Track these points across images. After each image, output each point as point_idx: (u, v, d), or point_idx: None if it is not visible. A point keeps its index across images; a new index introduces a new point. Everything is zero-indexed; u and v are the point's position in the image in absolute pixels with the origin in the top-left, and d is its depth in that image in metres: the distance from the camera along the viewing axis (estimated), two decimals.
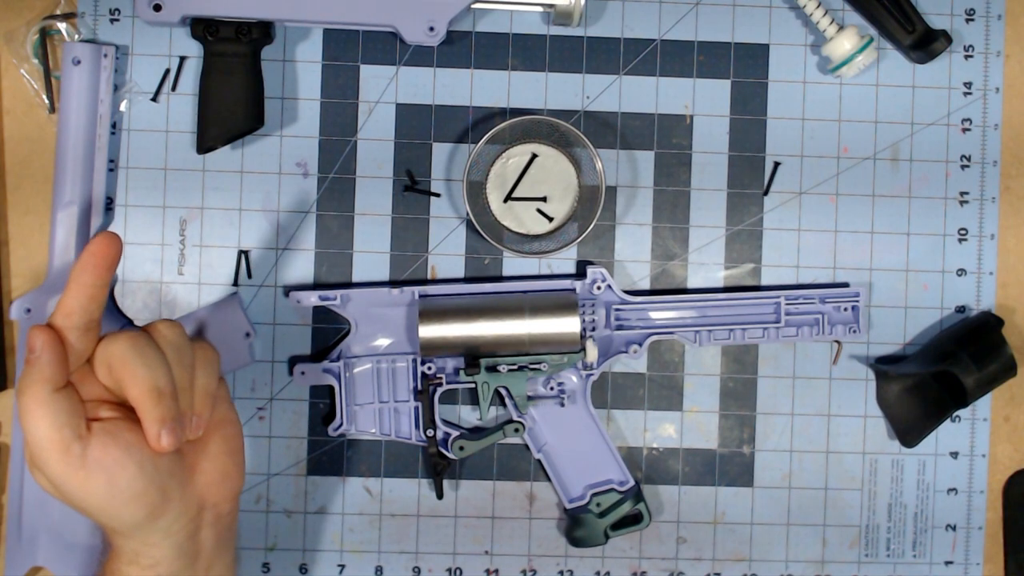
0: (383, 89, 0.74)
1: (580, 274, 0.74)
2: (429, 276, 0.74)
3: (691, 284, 0.75)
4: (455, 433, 0.73)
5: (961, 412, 0.75)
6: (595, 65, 0.74)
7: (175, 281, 0.74)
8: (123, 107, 0.73)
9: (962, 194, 0.75)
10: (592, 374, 0.73)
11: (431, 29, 0.71)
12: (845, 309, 0.74)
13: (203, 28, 0.70)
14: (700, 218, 0.75)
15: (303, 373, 0.73)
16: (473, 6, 0.73)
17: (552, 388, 0.73)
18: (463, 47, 0.74)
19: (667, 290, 0.75)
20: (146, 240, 0.73)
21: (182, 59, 0.73)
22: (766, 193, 0.75)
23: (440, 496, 0.73)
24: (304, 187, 0.74)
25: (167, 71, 0.73)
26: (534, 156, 0.72)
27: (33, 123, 0.74)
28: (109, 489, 0.55)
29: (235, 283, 0.74)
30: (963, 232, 0.75)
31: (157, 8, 0.69)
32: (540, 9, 0.74)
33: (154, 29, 0.73)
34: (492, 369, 0.71)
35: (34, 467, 0.57)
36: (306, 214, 0.74)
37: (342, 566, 0.75)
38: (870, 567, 0.76)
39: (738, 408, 0.75)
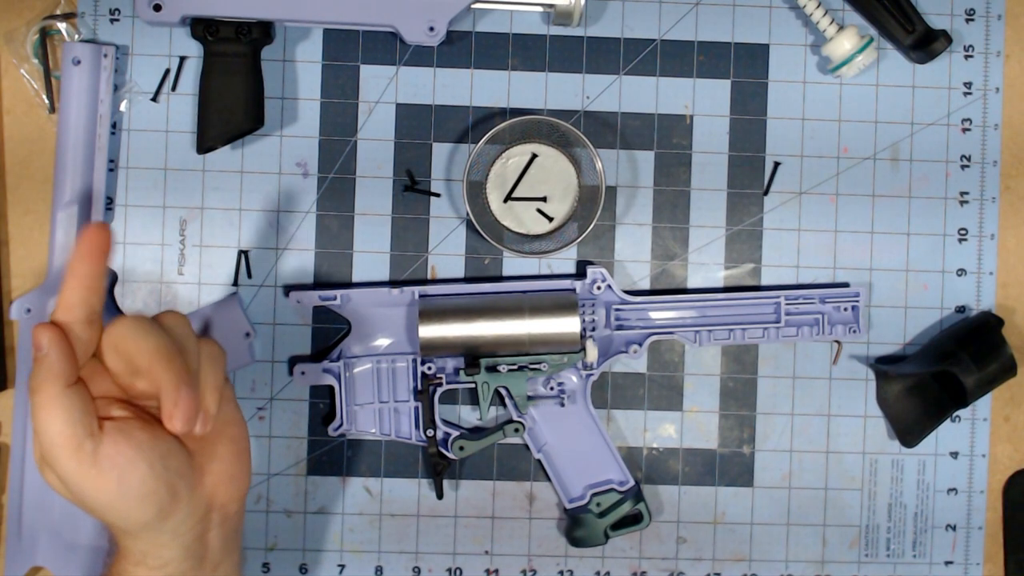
0: (383, 89, 0.74)
1: (580, 274, 0.74)
2: (429, 276, 0.74)
3: (691, 284, 0.75)
4: (455, 433, 0.73)
5: (961, 412, 0.75)
6: (595, 65, 0.74)
7: (175, 281, 0.74)
8: (123, 107, 0.73)
9: (962, 194, 0.75)
10: (592, 374, 0.73)
11: (431, 29, 0.71)
12: (845, 309, 0.74)
13: (203, 28, 0.70)
14: (700, 218, 0.75)
15: (303, 373, 0.73)
16: (473, 6, 0.73)
17: (552, 388, 0.73)
18: (463, 47, 0.74)
19: (667, 290, 0.75)
20: (146, 240, 0.73)
21: (182, 59, 0.73)
22: (766, 193, 0.75)
23: (440, 496, 0.73)
24: (304, 187, 0.74)
25: (167, 71, 0.73)
26: (534, 156, 0.72)
27: (33, 123, 0.74)
28: (120, 487, 0.55)
29: (235, 283, 0.74)
30: (963, 232, 0.75)
31: (157, 8, 0.69)
32: (540, 9, 0.74)
33: (154, 29, 0.73)
34: (492, 369, 0.71)
35: (45, 465, 0.57)
36: (306, 214, 0.74)
37: (342, 566, 0.75)
38: (870, 567, 0.76)
39: (738, 408, 0.75)
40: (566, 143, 0.73)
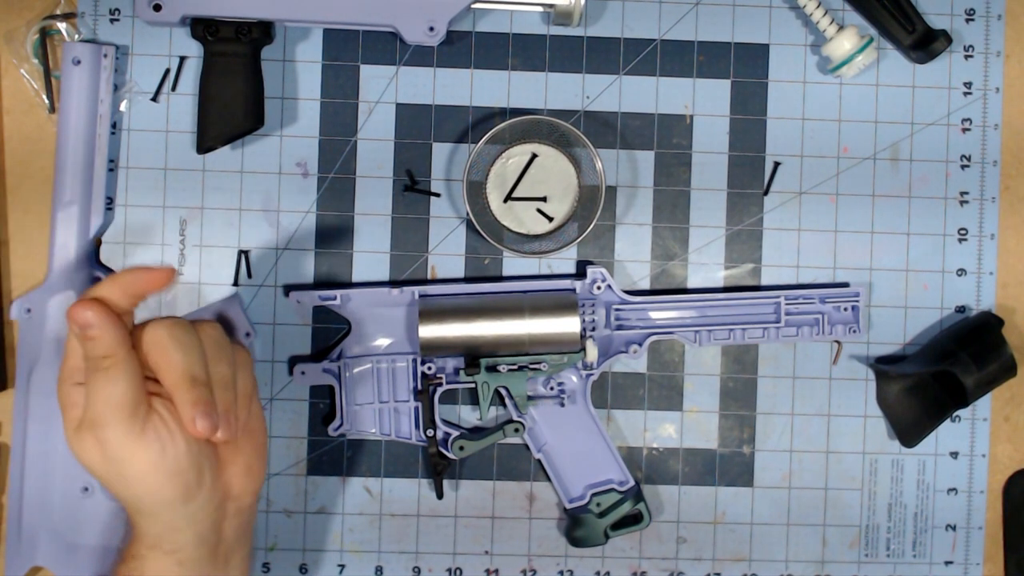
0: (383, 89, 0.74)
1: (580, 274, 0.74)
2: (429, 276, 0.74)
3: (691, 284, 0.75)
4: (455, 433, 0.73)
5: (961, 412, 0.76)
6: (595, 65, 0.74)
7: (175, 281, 0.74)
8: (123, 107, 0.73)
9: (962, 194, 0.75)
10: (592, 374, 0.73)
11: (431, 29, 0.71)
12: (845, 309, 0.74)
13: (203, 28, 0.70)
14: (700, 218, 0.75)
15: (303, 373, 0.73)
16: (473, 6, 0.73)
17: (552, 388, 0.73)
18: (463, 47, 0.74)
19: (667, 290, 0.75)
20: (146, 240, 0.73)
21: (182, 59, 0.73)
22: (766, 193, 0.75)
23: (440, 496, 0.73)
24: (304, 187, 0.74)
25: (167, 71, 0.73)
26: (534, 156, 0.72)
27: (33, 123, 0.74)
28: (160, 458, 0.57)
29: (235, 283, 0.74)
30: (963, 232, 0.75)
31: (157, 8, 0.69)
32: (540, 9, 0.74)
33: (154, 29, 0.73)
34: (492, 369, 0.71)
35: (85, 433, 0.58)
36: (306, 214, 0.74)
37: (342, 566, 0.75)
38: (870, 567, 0.76)
39: (738, 408, 0.75)
40: (566, 143, 0.73)
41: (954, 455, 0.76)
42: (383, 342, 0.73)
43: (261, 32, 0.71)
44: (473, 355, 0.71)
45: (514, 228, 0.72)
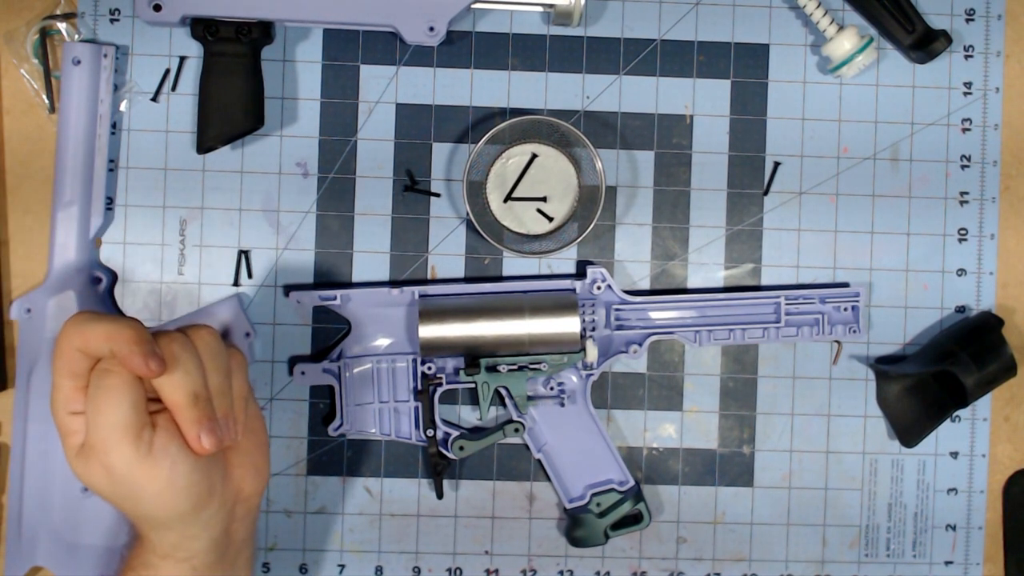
0: (383, 89, 0.74)
1: (580, 274, 0.74)
2: (429, 276, 0.74)
3: (691, 284, 0.75)
4: (455, 433, 0.73)
5: (961, 412, 0.76)
6: (595, 65, 0.74)
7: (175, 281, 0.74)
8: (123, 107, 0.73)
9: (962, 194, 0.75)
10: (592, 374, 0.73)
11: (431, 29, 0.71)
12: (845, 309, 0.74)
13: (203, 28, 0.70)
14: (700, 218, 0.75)
15: (303, 373, 0.73)
16: (473, 6, 0.73)
17: (552, 388, 0.73)
18: (463, 47, 0.74)
19: (667, 290, 0.75)
20: (146, 240, 0.73)
21: (182, 59, 0.73)
22: (766, 193, 0.75)
23: (440, 496, 0.73)
24: (304, 187, 0.74)
25: (167, 71, 0.73)
26: (534, 156, 0.72)
27: (33, 123, 0.74)
28: (170, 476, 0.57)
29: (235, 283, 0.74)
30: (963, 232, 0.75)
31: (157, 8, 0.69)
32: (540, 9, 0.74)
33: (154, 29, 0.73)
34: (492, 369, 0.71)
35: (90, 457, 0.57)
36: (306, 214, 0.74)
37: (342, 566, 0.75)
38: (870, 567, 0.76)
39: (738, 408, 0.75)
40: (566, 143, 0.73)
41: (954, 455, 0.76)
42: (383, 342, 0.73)
43: (261, 32, 0.71)
44: (473, 355, 0.71)
45: (514, 228, 0.72)
